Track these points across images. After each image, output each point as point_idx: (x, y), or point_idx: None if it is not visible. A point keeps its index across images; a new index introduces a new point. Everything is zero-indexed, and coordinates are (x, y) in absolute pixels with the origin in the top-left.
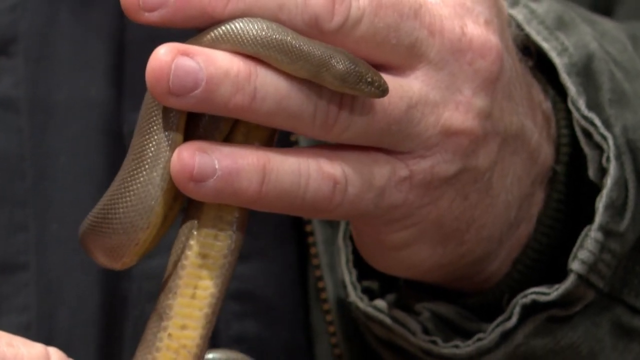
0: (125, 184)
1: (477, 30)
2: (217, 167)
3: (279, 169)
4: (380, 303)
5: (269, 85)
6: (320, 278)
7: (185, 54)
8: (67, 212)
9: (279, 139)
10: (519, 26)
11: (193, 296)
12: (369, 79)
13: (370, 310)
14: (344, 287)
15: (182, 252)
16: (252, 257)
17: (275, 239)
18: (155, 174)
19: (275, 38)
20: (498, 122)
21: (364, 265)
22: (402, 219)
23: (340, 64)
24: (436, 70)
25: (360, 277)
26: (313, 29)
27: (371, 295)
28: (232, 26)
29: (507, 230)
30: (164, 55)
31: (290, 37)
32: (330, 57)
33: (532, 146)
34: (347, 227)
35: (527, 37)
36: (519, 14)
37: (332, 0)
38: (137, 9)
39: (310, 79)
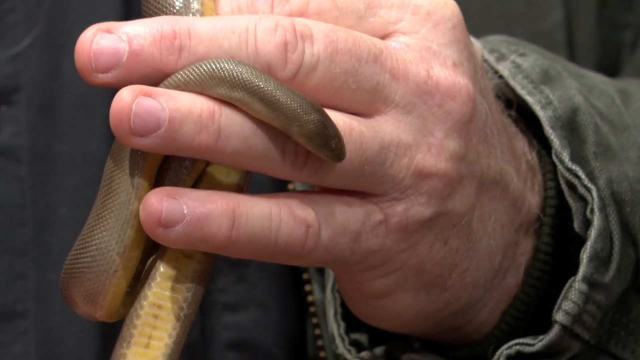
0: (93, 228)
1: (444, 72)
2: (185, 212)
3: (249, 213)
4: (367, 355)
5: (234, 123)
6: (317, 325)
7: (147, 94)
8: None
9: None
10: (503, 79)
11: (147, 346)
12: (333, 146)
13: None
14: (333, 339)
15: (139, 301)
16: (249, 306)
17: (272, 288)
18: (123, 216)
19: (259, 84)
20: (474, 164)
21: (354, 317)
22: (382, 265)
23: (312, 124)
24: (404, 113)
25: (351, 330)
26: None
27: (361, 347)
28: (218, 65)
29: (493, 278)
30: (125, 96)
31: (272, 86)
32: (305, 113)
33: (514, 193)
34: (336, 280)
35: (513, 90)
36: (504, 69)
37: (283, 48)
38: (90, 71)
39: (279, 128)
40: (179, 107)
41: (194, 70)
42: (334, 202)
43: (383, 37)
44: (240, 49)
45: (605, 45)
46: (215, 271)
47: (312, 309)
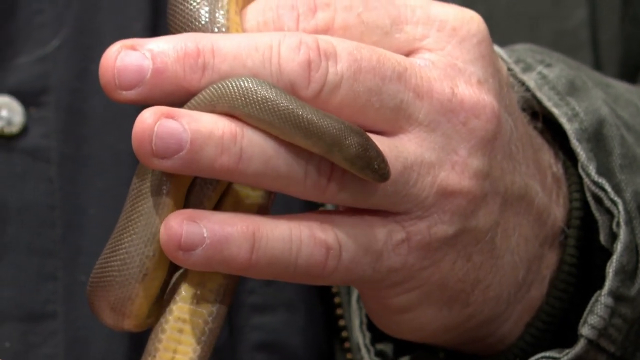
0: (122, 232)
1: (469, 90)
2: (205, 235)
3: (269, 236)
4: None
5: (256, 145)
6: (344, 328)
7: (169, 116)
8: None
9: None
10: (529, 91)
11: None
12: (376, 166)
13: None
14: (359, 349)
15: (164, 315)
16: (277, 308)
17: (300, 290)
18: (153, 220)
19: (293, 111)
20: (498, 181)
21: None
22: (404, 282)
23: (352, 148)
24: (428, 132)
25: (376, 340)
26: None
27: (386, 358)
28: (245, 85)
29: (516, 292)
30: (147, 118)
31: (307, 112)
32: (345, 137)
33: (538, 207)
34: None
35: (539, 102)
36: (530, 79)
37: (307, 67)
38: (114, 88)
39: (319, 154)
40: (200, 129)
41: (221, 90)
42: (355, 222)
43: (408, 53)
44: (264, 66)
45: (628, 43)
46: None
47: (339, 311)
